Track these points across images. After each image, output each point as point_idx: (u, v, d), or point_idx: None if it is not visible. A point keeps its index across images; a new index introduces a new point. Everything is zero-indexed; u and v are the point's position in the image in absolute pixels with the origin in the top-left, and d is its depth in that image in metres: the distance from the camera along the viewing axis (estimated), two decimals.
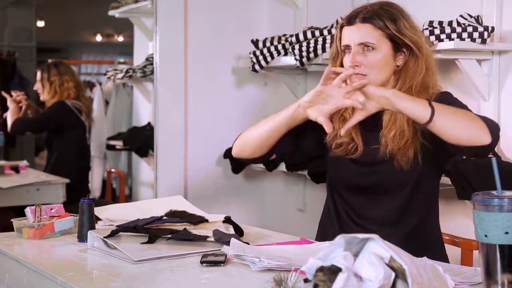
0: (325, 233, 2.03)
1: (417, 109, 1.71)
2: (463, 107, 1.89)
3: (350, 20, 1.92)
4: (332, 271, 1.16)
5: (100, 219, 2.10)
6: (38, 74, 4.38)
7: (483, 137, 1.71)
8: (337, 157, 1.96)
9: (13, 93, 4.42)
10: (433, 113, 1.69)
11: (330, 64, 1.99)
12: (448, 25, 2.62)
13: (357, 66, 1.87)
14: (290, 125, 1.88)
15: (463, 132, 1.72)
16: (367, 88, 1.73)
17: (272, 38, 3.49)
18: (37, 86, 4.38)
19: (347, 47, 1.91)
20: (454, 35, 2.53)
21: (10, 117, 4.35)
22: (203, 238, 1.82)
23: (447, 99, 1.91)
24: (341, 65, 1.94)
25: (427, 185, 1.95)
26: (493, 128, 1.74)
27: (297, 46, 3.20)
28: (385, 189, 1.93)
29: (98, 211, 2.11)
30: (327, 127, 1.77)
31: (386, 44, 1.88)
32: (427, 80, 1.90)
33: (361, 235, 1.20)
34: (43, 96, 4.36)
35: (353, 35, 1.90)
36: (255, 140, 1.95)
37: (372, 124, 1.93)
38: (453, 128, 1.72)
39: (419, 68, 1.89)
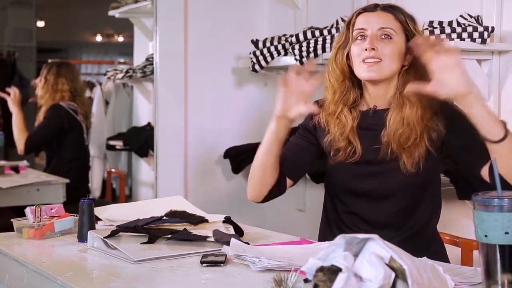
0: (326, 238, 2.01)
1: (490, 124, 1.64)
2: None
3: (369, 8, 1.92)
4: (332, 271, 1.16)
5: (100, 219, 2.10)
6: (42, 69, 4.42)
7: None
8: (337, 163, 1.95)
9: (10, 91, 4.42)
10: (506, 135, 1.64)
11: (334, 52, 1.96)
12: (448, 25, 2.62)
13: (373, 49, 1.85)
14: (280, 139, 1.90)
15: None
16: (460, 66, 1.60)
17: (272, 38, 3.49)
18: (37, 80, 4.44)
19: (362, 31, 1.88)
20: (454, 35, 2.53)
21: (20, 131, 4.27)
22: (203, 238, 1.82)
23: (454, 110, 1.86)
24: (347, 55, 1.93)
25: (431, 188, 1.92)
26: None
27: (297, 46, 3.20)
28: (387, 192, 1.89)
29: (98, 211, 2.11)
30: (313, 110, 1.83)
31: (402, 37, 1.88)
32: None
33: (361, 235, 1.20)
34: (37, 90, 4.39)
35: (372, 20, 1.88)
36: (258, 169, 1.95)
37: (372, 122, 1.91)
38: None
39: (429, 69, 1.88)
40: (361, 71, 1.87)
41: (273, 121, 1.88)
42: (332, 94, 1.95)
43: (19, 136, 4.28)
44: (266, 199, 2.01)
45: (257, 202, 2.03)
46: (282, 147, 1.93)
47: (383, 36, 1.86)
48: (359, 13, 1.93)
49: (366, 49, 1.85)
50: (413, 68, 1.87)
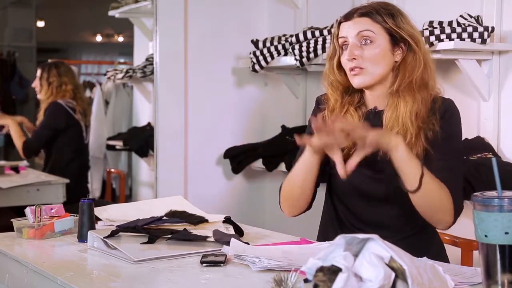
0: (326, 238, 2.00)
1: (408, 176, 1.75)
2: (458, 134, 1.90)
3: (348, 16, 1.92)
4: (332, 271, 1.16)
5: (100, 219, 2.10)
6: (38, 72, 4.39)
7: (443, 224, 1.84)
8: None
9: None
10: (418, 188, 1.75)
11: (328, 64, 1.98)
12: (448, 25, 2.62)
13: (354, 59, 1.86)
14: (318, 162, 1.90)
15: (429, 214, 1.82)
16: (373, 137, 1.72)
17: (272, 38, 3.49)
18: (36, 84, 4.39)
19: (345, 42, 1.90)
20: (454, 35, 2.53)
21: (17, 139, 4.30)
22: (203, 238, 1.82)
23: (451, 114, 1.88)
24: (338, 64, 1.94)
25: None
26: (457, 213, 1.83)
27: (297, 46, 3.20)
28: (388, 194, 1.89)
29: (98, 211, 2.11)
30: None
31: (384, 37, 1.87)
32: (426, 76, 1.88)
33: (361, 235, 1.20)
34: (40, 95, 4.37)
35: (350, 28, 1.89)
36: (297, 189, 1.96)
37: (374, 124, 1.91)
38: (424, 206, 1.80)
39: (418, 62, 1.87)
40: (351, 80, 1.91)
41: (309, 153, 1.88)
42: (334, 101, 1.97)
43: (16, 143, 4.32)
44: (303, 212, 2.03)
45: (293, 216, 2.05)
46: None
47: (363, 42, 1.88)
48: (340, 22, 1.94)
49: (348, 59, 1.88)
50: (404, 62, 1.88)
